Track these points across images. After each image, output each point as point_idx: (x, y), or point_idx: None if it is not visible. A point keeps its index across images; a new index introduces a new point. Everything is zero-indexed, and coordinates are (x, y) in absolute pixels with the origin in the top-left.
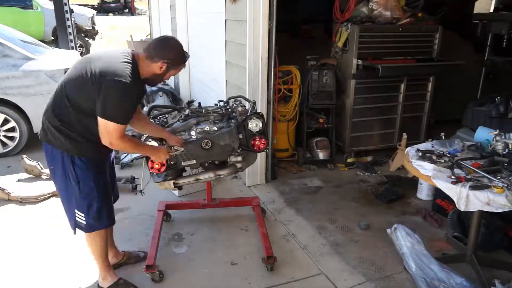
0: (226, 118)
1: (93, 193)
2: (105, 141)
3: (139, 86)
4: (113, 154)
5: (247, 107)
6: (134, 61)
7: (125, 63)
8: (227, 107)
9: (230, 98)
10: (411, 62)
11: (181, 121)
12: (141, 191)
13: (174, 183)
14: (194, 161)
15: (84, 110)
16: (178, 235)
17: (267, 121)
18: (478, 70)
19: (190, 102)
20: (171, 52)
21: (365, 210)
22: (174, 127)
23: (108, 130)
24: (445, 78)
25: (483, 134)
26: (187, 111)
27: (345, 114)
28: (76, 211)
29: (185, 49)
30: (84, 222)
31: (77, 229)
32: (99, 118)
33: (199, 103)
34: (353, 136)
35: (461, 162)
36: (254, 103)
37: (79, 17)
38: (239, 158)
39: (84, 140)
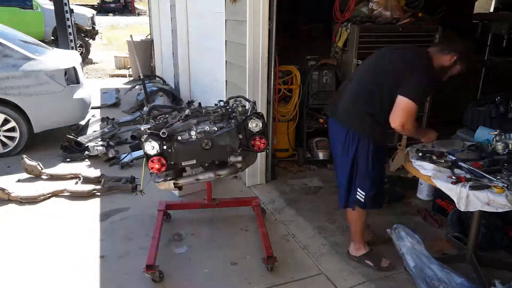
0: (226, 118)
1: (379, 175)
2: (397, 123)
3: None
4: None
5: (247, 107)
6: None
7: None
8: (227, 107)
9: (230, 98)
10: None
11: (181, 121)
12: (141, 191)
13: (174, 183)
14: (194, 161)
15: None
16: (178, 235)
17: (267, 121)
18: (478, 70)
19: (190, 102)
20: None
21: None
22: (174, 127)
23: (407, 111)
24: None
25: (483, 134)
26: (187, 111)
27: None
28: (358, 189)
29: (185, 49)
30: (363, 200)
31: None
32: (401, 98)
33: (199, 103)
34: None
35: (461, 163)
36: (254, 103)
37: (79, 17)
38: (239, 158)
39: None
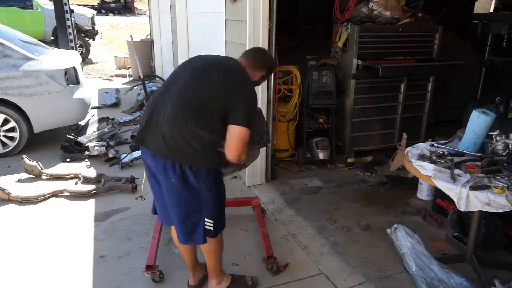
0: None
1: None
2: (233, 152)
3: None
4: None
5: None
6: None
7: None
8: None
9: None
10: (411, 62)
11: None
12: (141, 196)
13: None
14: None
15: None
16: None
17: (267, 121)
18: (478, 70)
19: None
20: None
21: (365, 210)
22: None
23: (240, 138)
24: (445, 78)
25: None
26: None
27: (345, 114)
28: (206, 219)
29: (185, 49)
30: (212, 228)
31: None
32: (234, 128)
33: None
34: (353, 136)
35: (461, 164)
36: None
37: (79, 17)
38: None
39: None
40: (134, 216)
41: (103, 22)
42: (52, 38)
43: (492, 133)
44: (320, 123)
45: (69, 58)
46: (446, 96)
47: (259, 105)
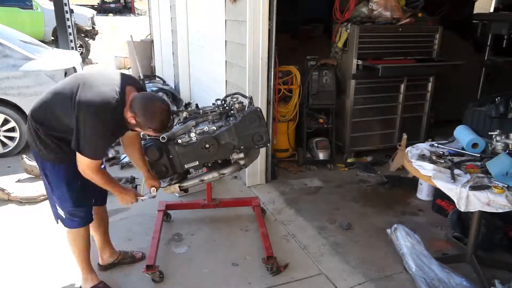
0: (225, 117)
1: (66, 194)
2: (81, 170)
3: (118, 124)
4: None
5: (244, 103)
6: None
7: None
8: (225, 105)
9: (227, 96)
10: (411, 62)
11: (180, 124)
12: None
13: (179, 186)
14: (197, 163)
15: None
16: (178, 235)
17: (267, 121)
18: (478, 70)
19: (187, 105)
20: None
21: (365, 210)
22: (173, 130)
23: (82, 163)
24: (445, 78)
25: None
26: (185, 114)
27: (345, 114)
28: (56, 206)
29: (185, 49)
30: (64, 217)
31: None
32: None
33: (196, 104)
34: (353, 136)
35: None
36: (251, 98)
37: (79, 17)
38: (241, 155)
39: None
40: (134, 216)
41: (103, 22)
42: (52, 38)
43: (492, 133)
44: (320, 123)
45: (69, 58)
46: (446, 96)
47: (259, 104)
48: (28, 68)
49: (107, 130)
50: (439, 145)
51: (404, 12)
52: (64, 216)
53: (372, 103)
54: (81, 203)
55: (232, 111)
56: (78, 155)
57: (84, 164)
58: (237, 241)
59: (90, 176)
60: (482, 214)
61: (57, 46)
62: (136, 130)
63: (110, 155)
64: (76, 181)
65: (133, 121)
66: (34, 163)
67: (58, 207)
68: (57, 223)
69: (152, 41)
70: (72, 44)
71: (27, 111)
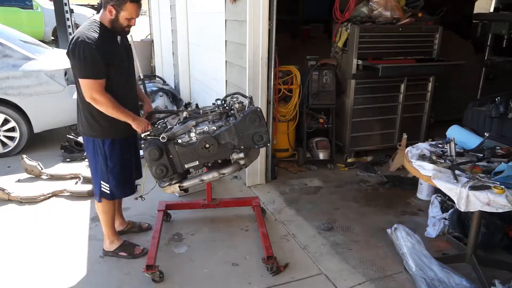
0: (225, 116)
1: (116, 168)
2: (88, 97)
3: (107, 39)
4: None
5: (244, 103)
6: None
7: (88, 26)
8: (225, 105)
9: (227, 96)
10: (411, 62)
11: (180, 124)
12: (141, 196)
13: (179, 186)
14: (197, 162)
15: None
16: (178, 235)
17: (267, 121)
18: (478, 70)
19: (187, 105)
20: None
21: (365, 210)
22: (173, 130)
23: (87, 87)
24: (445, 78)
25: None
26: (185, 114)
27: (345, 114)
28: (101, 181)
29: (185, 49)
30: (108, 191)
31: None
32: (80, 80)
33: (196, 104)
34: (353, 136)
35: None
36: (251, 98)
37: (79, 17)
38: (241, 155)
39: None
40: (134, 216)
41: None
42: (52, 38)
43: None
44: (320, 123)
45: None
46: (446, 96)
47: (259, 105)
48: (28, 68)
49: (95, 51)
50: (439, 145)
51: (404, 12)
52: (108, 191)
53: (372, 103)
54: (129, 177)
55: (232, 111)
56: (82, 83)
57: (90, 88)
58: (237, 241)
59: (99, 99)
60: (482, 214)
61: (57, 46)
62: (119, 25)
63: None
64: (127, 155)
65: (111, 15)
66: (34, 163)
67: (103, 183)
68: (100, 201)
69: (152, 41)
70: None
71: (27, 111)
